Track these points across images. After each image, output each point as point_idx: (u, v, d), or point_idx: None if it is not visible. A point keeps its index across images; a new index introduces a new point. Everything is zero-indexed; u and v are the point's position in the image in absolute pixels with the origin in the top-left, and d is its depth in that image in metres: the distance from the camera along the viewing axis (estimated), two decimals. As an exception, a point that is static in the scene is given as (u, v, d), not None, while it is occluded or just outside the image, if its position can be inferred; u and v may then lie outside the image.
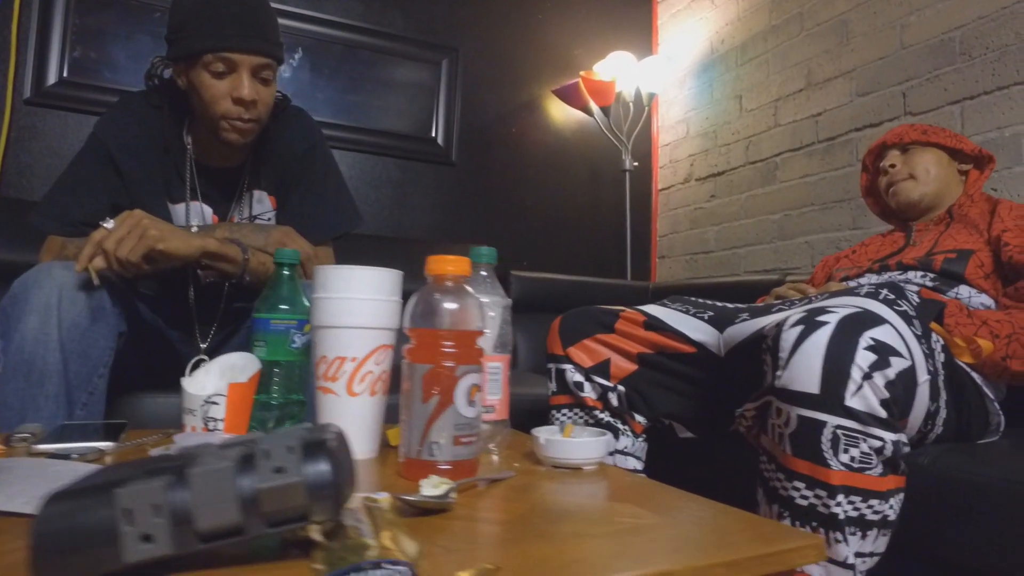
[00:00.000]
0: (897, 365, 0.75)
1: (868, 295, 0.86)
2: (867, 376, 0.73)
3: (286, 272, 0.86)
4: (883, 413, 0.73)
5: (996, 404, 1.02)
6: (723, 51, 2.65)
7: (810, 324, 0.77)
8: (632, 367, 1.16)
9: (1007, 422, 1.05)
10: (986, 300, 1.14)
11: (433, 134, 2.55)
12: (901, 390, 0.76)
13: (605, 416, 1.15)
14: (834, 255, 1.51)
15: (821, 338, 0.75)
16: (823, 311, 0.78)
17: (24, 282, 0.99)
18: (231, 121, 1.16)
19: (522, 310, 2.25)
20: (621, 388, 1.15)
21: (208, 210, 1.27)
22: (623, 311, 1.18)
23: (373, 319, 0.71)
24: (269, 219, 1.31)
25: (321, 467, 0.40)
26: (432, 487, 0.55)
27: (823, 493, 0.74)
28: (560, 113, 2.80)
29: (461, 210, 2.60)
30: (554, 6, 2.81)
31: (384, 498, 0.46)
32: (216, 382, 0.80)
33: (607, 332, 1.17)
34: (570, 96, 2.66)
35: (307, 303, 0.86)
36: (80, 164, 1.22)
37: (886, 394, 0.73)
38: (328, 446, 0.41)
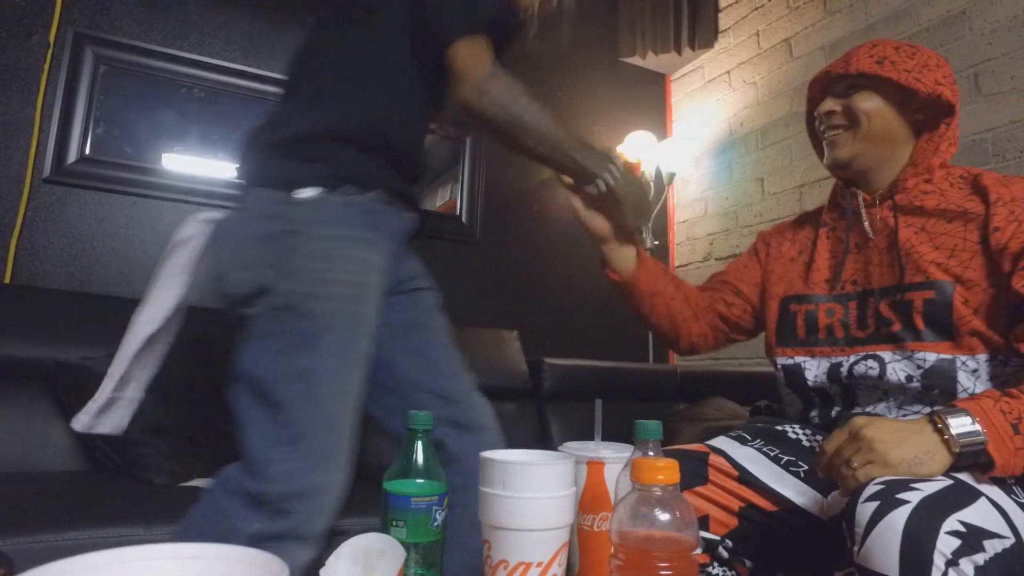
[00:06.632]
0: (993, 549, 0.70)
1: None
2: (952, 563, 0.68)
3: (420, 440, 0.80)
4: None
5: None
6: (742, 133, 2.70)
7: (886, 501, 0.73)
8: (733, 521, 1.12)
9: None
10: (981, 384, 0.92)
11: (457, 212, 2.52)
12: (998, 574, 0.70)
13: (716, 569, 1.11)
14: (776, 241, 1.24)
15: (898, 520, 0.70)
16: (905, 486, 0.74)
17: None
18: None
19: (556, 399, 2.20)
20: (728, 542, 1.11)
21: None
22: (708, 456, 1.13)
23: (559, 518, 0.66)
24: None
25: None
26: None
27: None
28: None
29: (485, 291, 2.55)
30: (574, 84, 2.83)
31: None
32: (357, 573, 0.72)
33: (703, 484, 1.13)
34: (594, 175, 2.66)
35: (442, 471, 0.80)
36: None
37: None
38: None
